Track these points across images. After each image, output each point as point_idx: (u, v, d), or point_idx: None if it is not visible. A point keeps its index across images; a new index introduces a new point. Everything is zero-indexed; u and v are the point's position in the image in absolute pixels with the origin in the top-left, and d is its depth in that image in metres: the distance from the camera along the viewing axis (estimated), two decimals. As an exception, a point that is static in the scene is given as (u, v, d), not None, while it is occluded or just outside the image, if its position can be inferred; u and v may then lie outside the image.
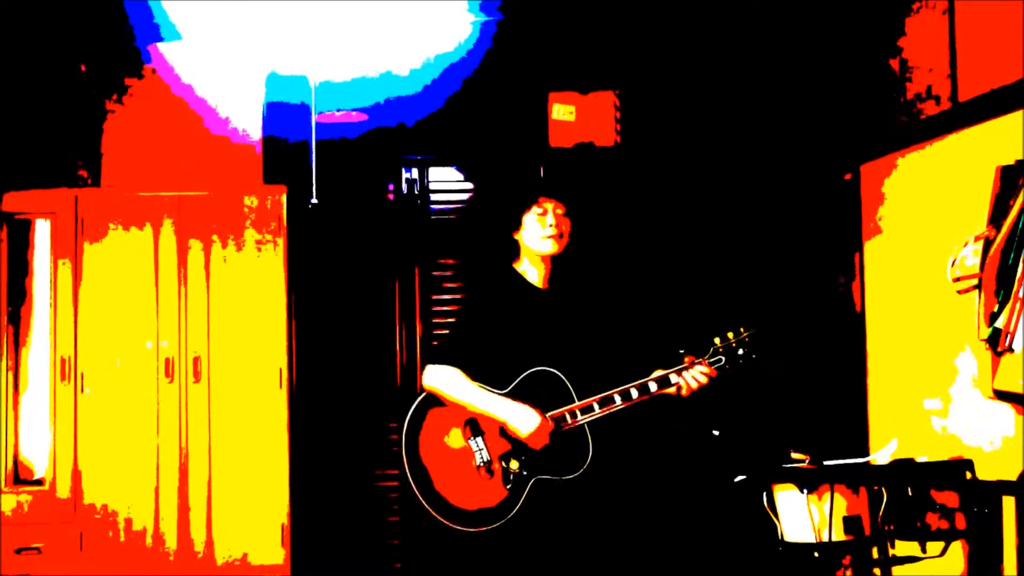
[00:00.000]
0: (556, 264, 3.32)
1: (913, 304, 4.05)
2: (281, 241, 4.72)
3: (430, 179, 5.06)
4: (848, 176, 4.56)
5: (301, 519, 4.73)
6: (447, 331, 3.59)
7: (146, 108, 4.83)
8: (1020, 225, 3.27)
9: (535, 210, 3.27)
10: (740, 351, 3.20)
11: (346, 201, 5.00)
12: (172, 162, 4.81)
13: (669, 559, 4.62)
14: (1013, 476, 3.31)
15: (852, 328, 4.51)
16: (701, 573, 4.65)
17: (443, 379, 3.17)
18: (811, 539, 3.19)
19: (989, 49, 3.69)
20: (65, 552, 4.57)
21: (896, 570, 3.27)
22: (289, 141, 4.93)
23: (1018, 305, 3.23)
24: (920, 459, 3.38)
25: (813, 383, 4.79)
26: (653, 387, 3.15)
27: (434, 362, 3.23)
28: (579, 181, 4.97)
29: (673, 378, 3.16)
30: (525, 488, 3.09)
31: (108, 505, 4.60)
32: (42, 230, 4.75)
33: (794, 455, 3.40)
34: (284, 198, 4.75)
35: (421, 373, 3.27)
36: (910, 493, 3.18)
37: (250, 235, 4.72)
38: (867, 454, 3.92)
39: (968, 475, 3.24)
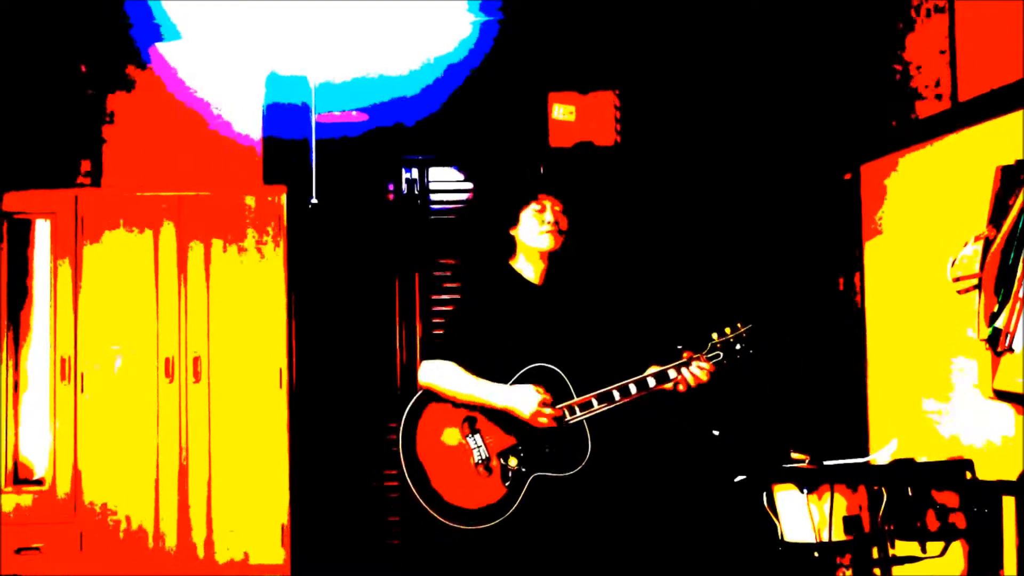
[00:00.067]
0: (553, 261, 3.32)
1: (913, 304, 4.05)
2: (281, 241, 4.72)
3: (430, 179, 5.07)
4: (848, 176, 4.56)
5: (301, 519, 4.73)
6: (444, 326, 3.58)
7: (146, 108, 4.83)
8: (1020, 225, 3.27)
9: (533, 206, 3.27)
10: (738, 347, 3.20)
11: (346, 201, 5.00)
12: (172, 162, 4.81)
13: (669, 558, 4.62)
14: (1013, 476, 3.31)
15: (852, 328, 4.51)
16: (701, 573, 4.65)
17: (440, 373, 3.17)
18: (811, 539, 3.19)
19: (989, 49, 3.69)
20: (65, 552, 4.57)
21: (896, 570, 3.27)
22: (289, 141, 4.93)
23: (1018, 305, 3.23)
24: (920, 459, 3.38)
25: (813, 383, 4.79)
26: (651, 383, 3.15)
27: (430, 358, 3.23)
28: (579, 180, 4.97)
29: (671, 373, 3.16)
30: (524, 485, 3.09)
31: (108, 505, 4.61)
32: (42, 230, 4.75)
33: (794, 455, 3.39)
34: (284, 198, 4.75)
35: (419, 369, 3.26)
36: (910, 493, 3.18)
37: (250, 235, 4.73)
38: (867, 454, 3.92)
39: (968, 475, 3.24)
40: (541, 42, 5.05)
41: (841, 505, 3.17)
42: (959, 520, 3.20)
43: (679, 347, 3.21)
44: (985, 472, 3.32)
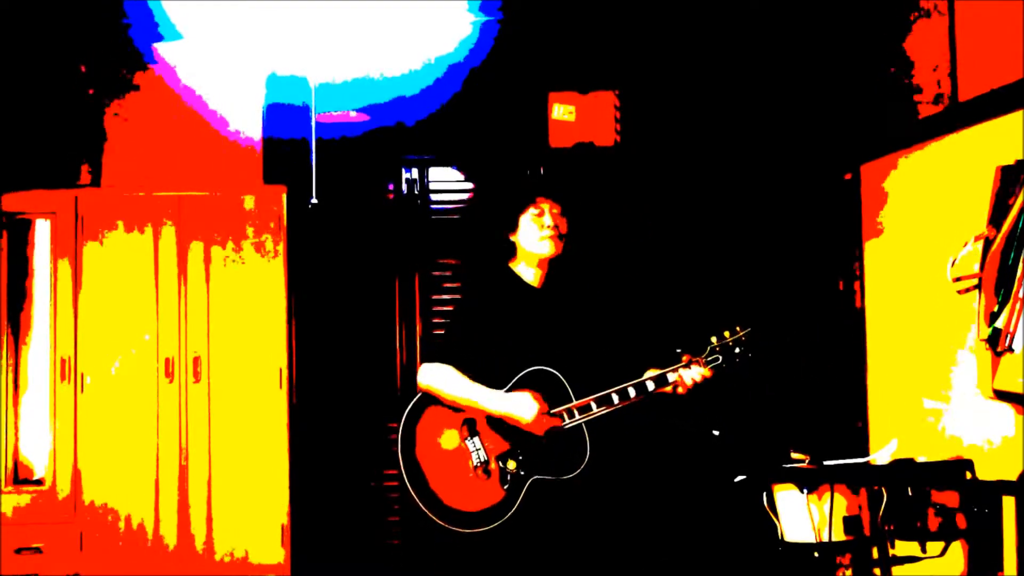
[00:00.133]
0: (553, 264, 3.31)
1: (913, 304, 4.05)
2: (281, 241, 4.72)
3: (430, 179, 5.06)
4: (848, 176, 4.56)
5: (301, 519, 4.73)
6: (443, 328, 3.58)
7: (146, 108, 4.83)
8: (1020, 225, 3.27)
9: (531, 211, 3.26)
10: (737, 350, 3.21)
11: (346, 201, 5.00)
12: (172, 162, 4.81)
13: (669, 559, 4.62)
14: (1013, 476, 3.31)
15: (852, 328, 4.51)
16: (701, 573, 4.65)
17: (439, 377, 3.17)
18: (811, 539, 3.18)
19: (989, 49, 3.69)
20: (65, 552, 4.57)
21: (896, 570, 3.27)
22: (289, 141, 4.93)
23: (1018, 305, 3.23)
24: (920, 459, 3.38)
25: (813, 383, 4.79)
26: (651, 386, 3.15)
27: (430, 361, 3.22)
28: (578, 181, 4.97)
29: (670, 377, 3.16)
30: (522, 488, 3.08)
31: (108, 505, 4.61)
32: (42, 230, 4.75)
33: (794, 455, 3.39)
34: (284, 198, 4.75)
35: (418, 371, 3.26)
36: (910, 493, 3.18)
37: (250, 235, 4.73)
38: (867, 454, 3.92)
39: (968, 475, 3.24)
40: (541, 42, 5.05)
41: (841, 505, 3.17)
42: (959, 520, 3.20)
43: (678, 350, 3.21)
44: (985, 472, 3.31)
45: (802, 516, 3.20)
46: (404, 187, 5.05)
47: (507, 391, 3.14)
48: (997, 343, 3.31)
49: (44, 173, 4.80)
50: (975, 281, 3.50)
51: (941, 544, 3.21)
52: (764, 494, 3.33)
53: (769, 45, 4.96)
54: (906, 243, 4.13)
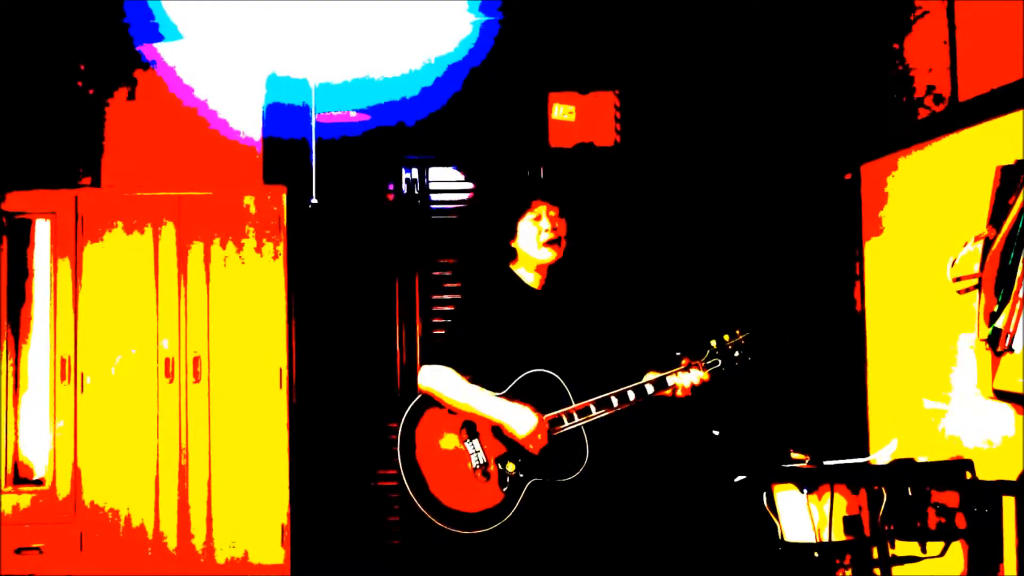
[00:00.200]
0: (553, 267, 3.31)
1: (913, 304, 4.05)
2: (281, 241, 4.72)
3: (430, 179, 5.06)
4: (848, 176, 4.56)
5: (301, 519, 4.73)
6: (443, 331, 3.58)
7: (146, 108, 4.83)
8: (1020, 225, 3.27)
9: (529, 216, 3.25)
10: (736, 353, 3.21)
11: (346, 201, 5.00)
12: (172, 162, 4.81)
13: (669, 560, 4.62)
14: (1013, 476, 3.31)
15: (852, 328, 4.51)
16: (701, 573, 4.65)
17: (439, 380, 3.17)
18: (811, 539, 3.18)
19: (989, 49, 3.69)
20: (65, 552, 4.57)
21: (896, 570, 3.27)
22: (289, 141, 4.93)
23: (1018, 305, 3.23)
24: (920, 459, 3.38)
25: (813, 383, 4.79)
26: (650, 389, 3.15)
27: (430, 363, 3.22)
28: (578, 181, 4.97)
29: (670, 380, 3.16)
30: (521, 491, 3.08)
31: (108, 505, 4.61)
32: (42, 230, 4.75)
33: (794, 455, 3.39)
34: (284, 198, 4.75)
35: (419, 372, 3.26)
36: (910, 493, 3.18)
37: (250, 235, 4.73)
38: (867, 454, 3.92)
39: (968, 475, 3.24)
40: (541, 42, 5.05)
41: (841, 505, 3.17)
42: (959, 520, 3.20)
43: (677, 354, 3.21)
44: (985, 472, 3.31)
45: (802, 516, 3.20)
46: (404, 187, 5.05)
47: (506, 393, 3.14)
48: (997, 343, 3.31)
49: (44, 173, 4.80)
50: (975, 281, 3.50)
51: (941, 544, 3.22)
52: (764, 494, 3.34)
53: (769, 45, 4.96)
54: (906, 243, 4.13)
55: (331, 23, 4.78)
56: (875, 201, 4.35)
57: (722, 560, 4.64)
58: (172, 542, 4.61)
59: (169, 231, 4.72)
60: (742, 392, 4.63)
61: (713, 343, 3.21)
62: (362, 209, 5.05)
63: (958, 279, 3.62)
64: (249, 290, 4.71)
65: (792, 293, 4.86)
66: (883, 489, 3.18)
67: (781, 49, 4.94)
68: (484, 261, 3.43)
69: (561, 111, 5.04)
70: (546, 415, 3.12)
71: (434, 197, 5.06)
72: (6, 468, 4.64)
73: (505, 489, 3.09)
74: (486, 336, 3.22)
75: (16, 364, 4.72)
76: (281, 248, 4.72)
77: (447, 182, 5.08)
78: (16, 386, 4.72)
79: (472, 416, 3.14)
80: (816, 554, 3.20)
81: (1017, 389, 3.25)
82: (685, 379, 3.15)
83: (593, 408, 3.12)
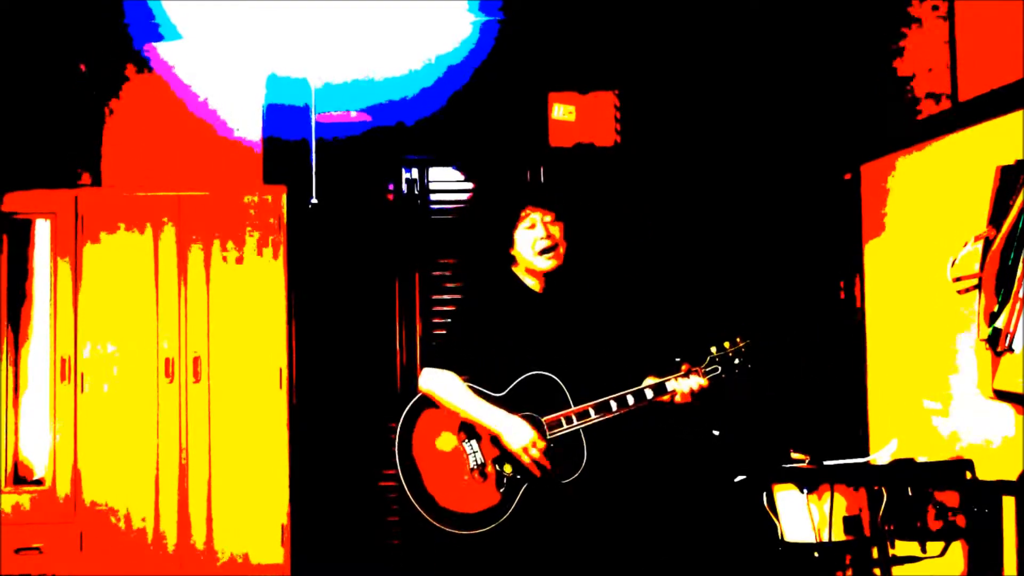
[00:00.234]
0: (553, 272, 3.30)
1: (913, 304, 4.05)
2: (281, 241, 4.72)
3: (430, 179, 5.06)
4: (848, 176, 4.56)
5: (301, 519, 4.73)
6: (444, 332, 3.57)
7: (146, 108, 4.83)
8: (1020, 225, 3.27)
9: (523, 224, 3.24)
10: (736, 361, 3.20)
11: (346, 201, 5.00)
12: (172, 162, 4.81)
13: (669, 561, 4.62)
14: (1013, 476, 3.31)
15: (852, 328, 4.51)
16: (701, 573, 4.65)
17: (439, 384, 3.16)
18: (811, 539, 3.18)
19: (989, 49, 3.69)
20: (65, 552, 4.57)
21: (896, 570, 3.27)
22: (289, 141, 4.93)
23: (1018, 305, 3.23)
24: (920, 459, 3.38)
25: (813, 383, 4.79)
26: (649, 394, 3.14)
27: (431, 365, 3.22)
28: (578, 182, 4.97)
29: (669, 385, 3.15)
30: (518, 492, 3.08)
31: (108, 505, 4.61)
32: (42, 230, 4.75)
33: (794, 455, 3.39)
34: (284, 198, 4.75)
35: (420, 374, 3.26)
36: (910, 493, 3.18)
37: (250, 235, 4.73)
38: (867, 454, 3.92)
39: (968, 475, 3.24)
40: (541, 42, 5.05)
41: (841, 505, 3.17)
42: (959, 520, 3.20)
43: (677, 359, 3.20)
44: (985, 472, 3.31)
45: (802, 516, 3.20)
46: (404, 187, 5.05)
47: (506, 395, 3.14)
48: (997, 343, 3.31)
49: (44, 173, 4.80)
50: (975, 281, 3.50)
51: (941, 544, 3.21)
52: (764, 494, 3.33)
53: (769, 45, 4.96)
54: (906, 243, 4.13)
55: (331, 23, 4.78)
56: (875, 201, 4.35)
57: (722, 560, 4.64)
58: (172, 542, 4.61)
59: (169, 231, 4.72)
60: (742, 392, 4.63)
61: (713, 350, 3.20)
62: (362, 209, 5.05)
63: (958, 279, 3.62)
64: (249, 290, 4.71)
65: (792, 293, 4.87)
66: (883, 489, 3.18)
67: (781, 49, 4.95)
68: (484, 264, 3.42)
69: (561, 111, 5.04)
70: (545, 418, 3.12)
71: (434, 197, 5.06)
72: (6, 468, 4.64)
73: (502, 490, 3.08)
74: (486, 338, 3.22)
75: (16, 364, 4.72)
76: (281, 248, 4.72)
77: (447, 182, 5.08)
78: (16, 386, 4.72)
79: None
80: (816, 554, 3.20)
81: (1017, 389, 3.25)
82: (684, 385, 3.15)
83: (592, 412, 3.11)
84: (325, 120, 4.98)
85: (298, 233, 4.84)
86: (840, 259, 4.63)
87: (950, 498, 3.20)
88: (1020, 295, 3.22)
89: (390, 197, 5.06)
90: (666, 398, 3.17)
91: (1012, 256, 3.28)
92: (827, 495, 3.16)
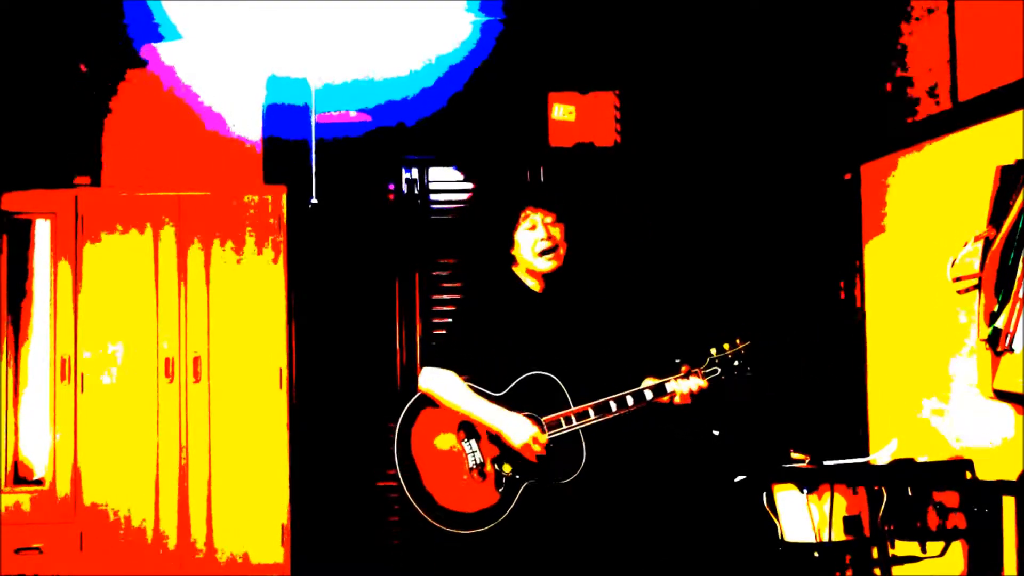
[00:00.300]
0: (553, 273, 3.30)
1: (913, 304, 4.05)
2: (281, 241, 4.72)
3: (430, 179, 5.06)
4: (848, 176, 4.56)
5: (301, 519, 4.73)
6: (444, 332, 3.57)
7: (146, 108, 4.83)
8: (1020, 225, 3.27)
9: (524, 225, 3.24)
10: (736, 362, 3.20)
11: (346, 201, 5.00)
12: (172, 162, 4.81)
13: (669, 561, 4.62)
14: (1013, 476, 3.31)
15: (852, 328, 4.51)
16: (701, 573, 4.65)
17: (439, 383, 3.16)
18: (811, 539, 3.18)
19: (989, 49, 3.69)
20: (65, 552, 4.57)
21: (896, 570, 3.27)
22: (289, 141, 4.93)
23: (1018, 305, 3.23)
24: (920, 459, 3.38)
25: (813, 383, 4.79)
26: (649, 395, 3.15)
27: (431, 364, 3.22)
28: (578, 182, 4.97)
29: (669, 387, 3.15)
30: (517, 492, 3.08)
31: (108, 505, 4.60)
32: (42, 230, 4.75)
33: (794, 455, 3.39)
34: (284, 198, 4.75)
35: (420, 374, 3.26)
36: (910, 493, 3.18)
37: (250, 235, 4.73)
38: (867, 454, 3.92)
39: (968, 475, 3.24)
40: (541, 42, 5.05)
41: (841, 505, 3.17)
42: (959, 520, 3.20)
43: (677, 360, 3.20)
44: (985, 472, 3.31)
45: (802, 516, 3.20)
46: (404, 187, 5.05)
47: (505, 395, 3.14)
48: (997, 343, 3.31)
49: (44, 173, 4.80)
50: (975, 281, 3.50)
51: (941, 544, 3.22)
52: (764, 494, 3.34)
53: (769, 45, 4.96)
54: (906, 243, 4.13)
55: (331, 23, 4.78)
56: (875, 201, 4.35)
57: (722, 560, 4.64)
58: (172, 542, 4.61)
59: (169, 231, 4.72)
60: (742, 394, 4.63)
61: (713, 351, 3.20)
62: (362, 209, 5.05)
63: (958, 279, 3.62)
64: (249, 290, 4.71)
65: (792, 293, 4.86)
66: (883, 489, 3.18)
67: (781, 49, 4.95)
68: (484, 264, 3.42)
69: (561, 111, 5.04)
70: (544, 417, 3.12)
71: (434, 197, 5.05)
72: (6, 468, 4.64)
73: (501, 490, 3.09)
74: (486, 337, 3.22)
75: (16, 364, 4.72)
76: (281, 248, 4.72)
77: (447, 182, 5.08)
78: (16, 386, 4.72)
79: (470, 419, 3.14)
80: (816, 554, 3.20)
81: (1017, 389, 3.25)
82: (684, 386, 3.15)
83: (592, 412, 3.12)
84: (325, 120, 4.98)
85: (298, 233, 4.84)
86: (840, 259, 4.63)
87: (950, 498, 3.21)
88: (1020, 295, 3.22)
89: (390, 197, 5.06)
90: (665, 399, 3.17)
91: (1012, 256, 3.28)
92: (827, 495, 3.17)
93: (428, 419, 3.16)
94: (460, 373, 3.19)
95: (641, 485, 4.63)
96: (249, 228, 4.73)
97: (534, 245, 3.21)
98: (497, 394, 3.15)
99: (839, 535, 3.15)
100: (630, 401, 3.13)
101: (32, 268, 4.77)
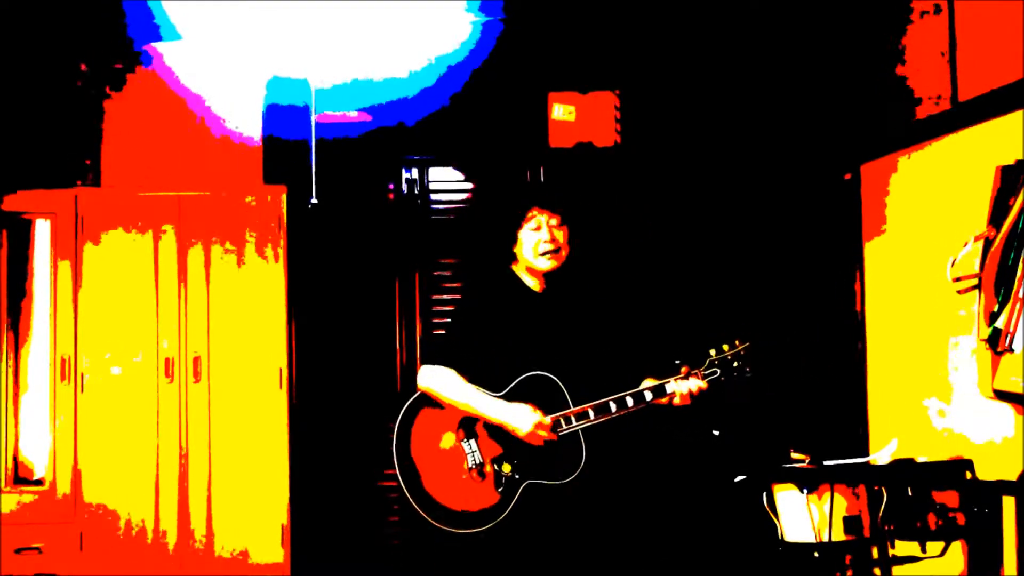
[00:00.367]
0: (553, 272, 3.30)
1: (913, 304, 4.05)
2: (281, 241, 4.72)
3: (430, 179, 5.06)
4: (848, 176, 4.56)
5: (301, 519, 4.73)
6: (443, 331, 3.57)
7: (147, 108, 4.83)
8: (1020, 225, 3.27)
9: (528, 225, 3.24)
10: (735, 364, 3.20)
11: (346, 201, 5.00)
12: (172, 162, 4.81)
13: (669, 561, 4.62)
14: (1013, 476, 3.31)
15: (852, 328, 4.51)
16: (701, 574, 4.65)
17: (438, 380, 3.17)
18: (811, 539, 3.18)
19: (989, 49, 3.69)
20: (65, 552, 4.57)
21: (896, 570, 3.27)
22: (289, 141, 4.93)
23: (1018, 305, 3.23)
24: (920, 459, 3.38)
25: (813, 383, 4.79)
26: (648, 396, 3.15)
27: (430, 362, 3.22)
28: (578, 182, 4.97)
29: (668, 388, 3.15)
30: (516, 492, 3.08)
31: (108, 505, 4.61)
32: (42, 230, 4.75)
33: (794, 455, 3.39)
34: (284, 198, 4.76)
35: (419, 372, 3.26)
36: (910, 493, 3.18)
37: (250, 235, 4.73)
38: (867, 454, 3.92)
39: (968, 475, 3.24)
40: (541, 42, 5.05)
41: (841, 505, 3.17)
42: (959, 520, 3.20)
43: (677, 361, 3.20)
44: (985, 472, 3.31)
45: (802, 516, 3.20)
46: (404, 187, 5.05)
47: (505, 395, 3.14)
48: (997, 343, 3.31)
49: (44, 173, 4.80)
50: (975, 281, 3.50)
51: (941, 544, 3.21)
52: (764, 494, 3.33)
53: (769, 45, 4.96)
54: (906, 243, 4.13)
55: (331, 23, 4.78)
56: (875, 201, 4.35)
57: (722, 560, 4.64)
58: (172, 542, 4.61)
59: (169, 231, 4.72)
60: (742, 394, 4.63)
61: (712, 352, 3.20)
62: (362, 209, 5.05)
63: (958, 279, 3.62)
64: (249, 290, 4.71)
65: (792, 293, 4.86)
66: (883, 489, 3.18)
67: (781, 49, 4.95)
68: (484, 263, 3.42)
69: (561, 111, 5.04)
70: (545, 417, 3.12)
71: (434, 197, 5.05)
72: (6, 468, 4.64)
73: (501, 490, 3.09)
74: (486, 337, 3.22)
75: (16, 364, 4.72)
76: (281, 248, 4.72)
77: (447, 182, 5.07)
78: (16, 386, 4.72)
79: (470, 416, 3.14)
80: (816, 554, 3.20)
81: (1017, 389, 3.25)
82: (684, 386, 3.15)
83: (592, 413, 3.12)
84: (325, 120, 4.98)
85: (298, 233, 4.84)
86: (840, 259, 4.63)
87: (950, 498, 3.20)
88: (1020, 295, 3.22)
89: (390, 197, 5.06)
90: (665, 400, 3.17)
91: (1012, 256, 3.28)
92: (827, 495, 3.16)
93: (427, 419, 3.16)
94: (459, 371, 3.18)
95: (641, 485, 4.63)
96: (249, 228, 4.73)
97: (537, 245, 3.21)
98: (497, 394, 3.15)
99: (839, 535, 3.15)
100: (630, 402, 3.13)
101: (32, 268, 4.77)
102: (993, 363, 3.36)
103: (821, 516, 3.17)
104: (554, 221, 3.23)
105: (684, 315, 4.81)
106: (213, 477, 4.65)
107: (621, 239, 4.97)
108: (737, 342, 3.22)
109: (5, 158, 4.76)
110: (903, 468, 3.28)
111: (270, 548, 4.62)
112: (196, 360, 4.68)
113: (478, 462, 3.11)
